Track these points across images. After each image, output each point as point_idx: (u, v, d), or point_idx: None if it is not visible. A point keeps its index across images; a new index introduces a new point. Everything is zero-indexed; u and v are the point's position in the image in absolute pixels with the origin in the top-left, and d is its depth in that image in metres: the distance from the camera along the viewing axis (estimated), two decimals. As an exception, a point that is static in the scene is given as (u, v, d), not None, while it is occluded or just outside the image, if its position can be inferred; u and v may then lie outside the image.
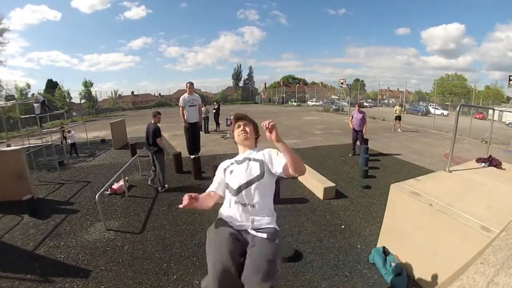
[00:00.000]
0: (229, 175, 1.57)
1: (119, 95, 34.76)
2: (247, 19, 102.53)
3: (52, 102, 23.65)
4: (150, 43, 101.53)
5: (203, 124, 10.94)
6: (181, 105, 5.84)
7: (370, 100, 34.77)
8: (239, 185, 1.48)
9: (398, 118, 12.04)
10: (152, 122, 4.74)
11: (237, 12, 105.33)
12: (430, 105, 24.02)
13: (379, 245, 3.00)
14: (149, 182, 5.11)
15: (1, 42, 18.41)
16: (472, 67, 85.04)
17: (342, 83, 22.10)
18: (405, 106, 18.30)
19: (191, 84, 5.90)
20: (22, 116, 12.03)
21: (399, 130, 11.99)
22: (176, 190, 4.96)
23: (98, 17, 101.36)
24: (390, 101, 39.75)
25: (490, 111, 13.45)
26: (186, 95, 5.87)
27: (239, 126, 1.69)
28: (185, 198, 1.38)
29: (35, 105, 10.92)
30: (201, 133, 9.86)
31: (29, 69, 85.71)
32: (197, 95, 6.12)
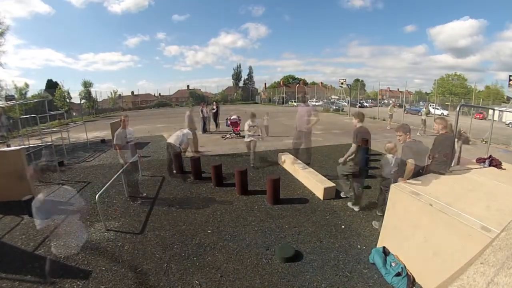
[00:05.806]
0: None
1: (119, 95, 34.80)
2: (248, 15, 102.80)
3: (52, 102, 23.67)
4: (148, 41, 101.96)
5: (202, 124, 11.05)
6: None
7: (370, 100, 34.77)
8: None
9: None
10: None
11: (239, 9, 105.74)
12: (430, 105, 24.01)
13: (379, 245, 3.00)
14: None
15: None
16: (480, 66, 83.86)
17: (342, 83, 22.14)
18: (405, 107, 18.36)
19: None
20: (22, 116, 12.03)
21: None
22: (176, 190, 4.96)
23: (92, 11, 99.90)
24: (390, 101, 39.83)
25: (490, 111, 13.45)
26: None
27: None
28: None
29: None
30: (200, 133, 9.91)
31: (25, 69, 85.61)
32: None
